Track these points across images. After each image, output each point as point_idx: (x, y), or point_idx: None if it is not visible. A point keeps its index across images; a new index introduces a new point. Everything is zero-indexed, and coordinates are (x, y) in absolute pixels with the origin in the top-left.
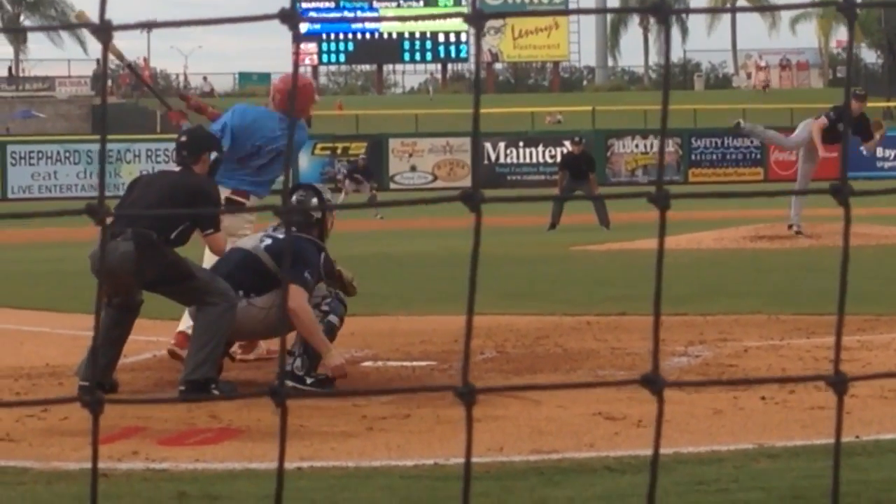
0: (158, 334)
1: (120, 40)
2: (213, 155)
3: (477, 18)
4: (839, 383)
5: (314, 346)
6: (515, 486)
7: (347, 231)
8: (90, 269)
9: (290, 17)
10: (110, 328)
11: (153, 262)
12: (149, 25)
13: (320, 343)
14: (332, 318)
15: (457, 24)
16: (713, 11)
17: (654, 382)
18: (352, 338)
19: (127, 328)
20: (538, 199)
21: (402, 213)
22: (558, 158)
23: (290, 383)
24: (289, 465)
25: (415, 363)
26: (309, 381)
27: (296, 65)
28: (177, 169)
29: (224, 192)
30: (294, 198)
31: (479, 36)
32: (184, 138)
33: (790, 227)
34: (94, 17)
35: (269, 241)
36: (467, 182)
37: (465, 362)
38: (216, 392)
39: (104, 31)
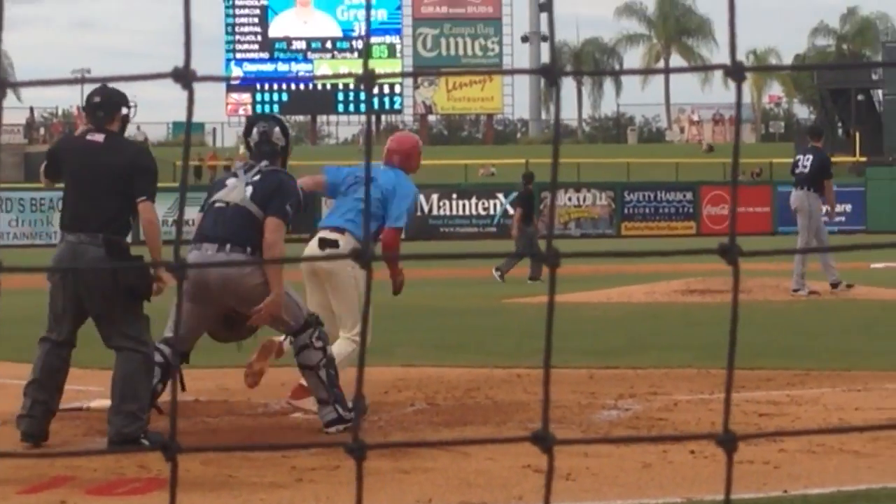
0: (87, 384)
1: (54, 89)
2: (126, 111)
3: (367, 79)
4: (728, 441)
5: (274, 281)
6: None
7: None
8: (48, 277)
9: (182, 76)
10: (55, 372)
11: (126, 269)
12: (9, 85)
13: (277, 285)
14: (329, 349)
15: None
16: (600, 74)
17: (543, 440)
18: (283, 388)
19: (66, 370)
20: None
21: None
22: (492, 211)
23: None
24: None
25: (346, 414)
26: (348, 416)
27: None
28: (98, 137)
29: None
30: (257, 129)
31: (370, 95)
32: (97, 98)
33: (796, 291)
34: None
35: (251, 190)
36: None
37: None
38: (145, 442)
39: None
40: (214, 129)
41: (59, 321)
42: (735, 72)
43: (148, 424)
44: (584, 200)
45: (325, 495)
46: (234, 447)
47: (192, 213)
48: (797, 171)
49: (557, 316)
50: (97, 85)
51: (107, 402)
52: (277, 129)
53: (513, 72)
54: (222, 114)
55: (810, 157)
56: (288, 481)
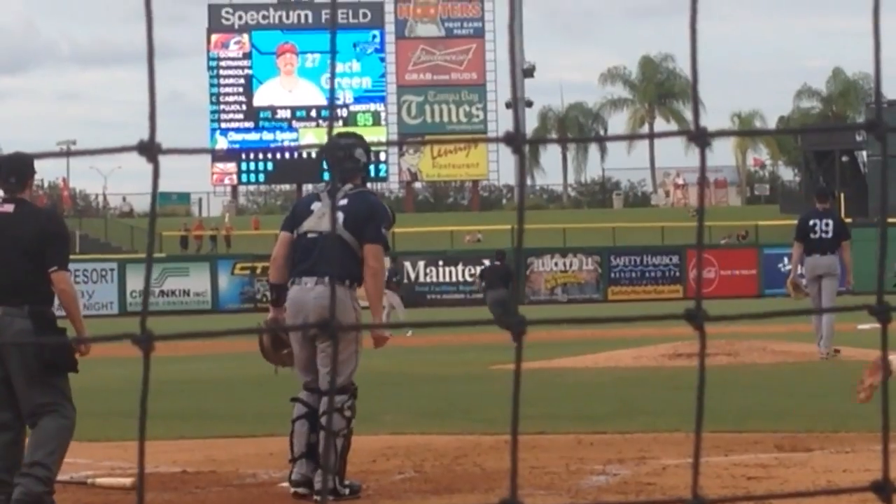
0: (75, 456)
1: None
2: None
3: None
4: None
5: (377, 308)
6: None
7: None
8: None
9: (147, 149)
10: (8, 445)
11: (52, 340)
12: None
13: (378, 307)
14: (353, 423)
15: (376, 143)
16: (565, 141)
17: None
18: (270, 458)
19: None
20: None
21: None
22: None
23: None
24: None
25: (340, 488)
26: (346, 491)
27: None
28: (8, 208)
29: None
30: (342, 153)
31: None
32: (8, 167)
33: (827, 354)
34: None
35: (342, 216)
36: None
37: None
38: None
39: None
40: (200, 199)
41: None
42: (698, 137)
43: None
44: (571, 265)
45: None
46: None
47: (140, 282)
48: (816, 235)
49: (545, 382)
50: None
51: (114, 481)
52: (360, 148)
53: (476, 140)
54: (208, 183)
55: (828, 220)
56: None
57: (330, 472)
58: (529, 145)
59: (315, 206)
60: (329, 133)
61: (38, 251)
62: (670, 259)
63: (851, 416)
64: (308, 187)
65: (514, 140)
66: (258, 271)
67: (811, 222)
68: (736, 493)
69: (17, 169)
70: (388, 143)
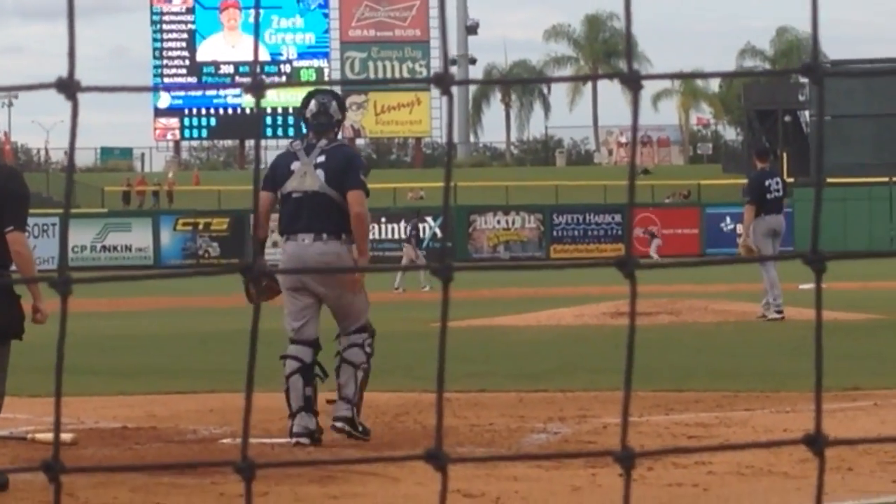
0: (14, 411)
1: None
2: None
3: (256, 88)
4: (626, 458)
5: (364, 251)
6: None
7: (213, 307)
8: None
9: (66, 86)
10: None
11: (2, 306)
12: None
13: (365, 250)
14: (371, 361)
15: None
16: (491, 83)
17: (437, 458)
18: (210, 414)
19: None
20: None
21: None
22: (420, 234)
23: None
24: None
25: (274, 440)
26: (360, 428)
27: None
28: None
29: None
30: (315, 101)
31: (259, 101)
32: None
33: (769, 314)
34: None
35: (323, 174)
36: None
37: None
38: None
39: None
40: (143, 154)
41: None
42: (631, 80)
43: None
44: (513, 223)
45: None
46: (125, 467)
47: (81, 237)
48: (772, 195)
49: (487, 339)
50: None
51: (64, 436)
52: (335, 102)
53: (405, 80)
54: (150, 139)
55: (778, 179)
56: None
57: (350, 404)
58: (457, 87)
59: (294, 165)
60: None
61: None
62: (613, 218)
63: (792, 375)
64: (249, 142)
65: (443, 81)
66: (200, 227)
67: (767, 182)
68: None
69: None
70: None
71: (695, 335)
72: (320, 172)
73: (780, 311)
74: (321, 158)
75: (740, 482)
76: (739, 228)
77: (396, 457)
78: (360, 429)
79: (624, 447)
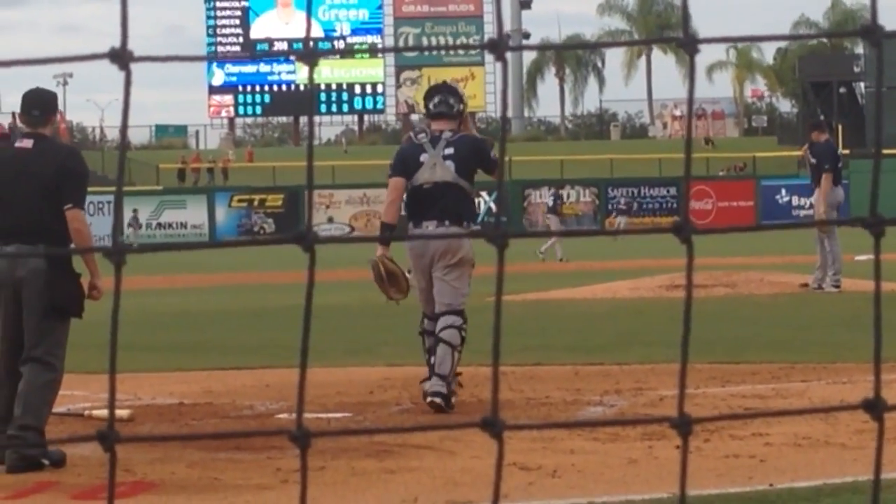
0: (71, 388)
1: None
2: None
3: (309, 56)
4: (683, 425)
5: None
6: None
7: (268, 283)
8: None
9: (119, 56)
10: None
11: (63, 283)
12: None
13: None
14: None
15: (374, 75)
16: (545, 48)
17: (493, 425)
18: (266, 390)
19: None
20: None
21: (323, 265)
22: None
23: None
24: None
25: (330, 415)
26: (452, 403)
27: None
28: (27, 143)
29: None
30: (440, 97)
31: (312, 73)
32: (31, 100)
33: (826, 286)
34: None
35: (452, 165)
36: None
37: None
38: (46, 462)
39: None
40: (197, 132)
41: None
42: (687, 44)
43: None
44: (568, 197)
45: (311, 497)
46: (179, 437)
47: (170, 215)
48: (840, 166)
49: (543, 313)
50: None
51: (120, 412)
52: (454, 96)
53: (459, 47)
54: (205, 116)
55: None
56: (273, 483)
57: (447, 380)
58: (511, 62)
59: (423, 157)
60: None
61: (56, 188)
62: (668, 191)
63: (848, 347)
64: (304, 119)
65: (497, 46)
66: (255, 203)
67: (839, 152)
68: (733, 424)
69: (41, 102)
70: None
71: (751, 307)
72: (450, 164)
73: (837, 285)
74: (449, 150)
75: (797, 453)
76: (795, 200)
77: (452, 424)
78: (451, 403)
79: (681, 413)
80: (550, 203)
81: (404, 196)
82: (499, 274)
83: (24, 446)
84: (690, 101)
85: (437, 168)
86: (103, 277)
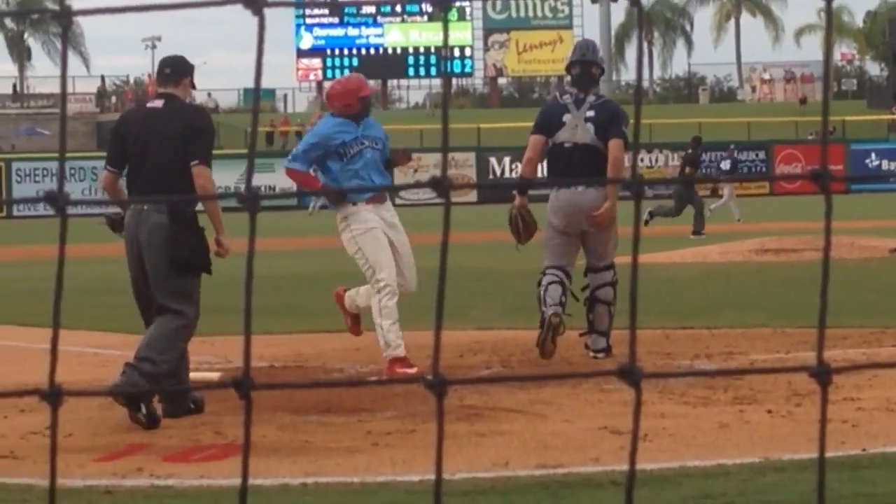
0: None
1: (125, 56)
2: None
3: (441, 3)
4: (822, 374)
5: (613, 190)
6: (521, 500)
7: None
8: (126, 242)
9: (252, 1)
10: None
11: (185, 238)
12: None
13: (613, 197)
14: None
15: (462, 38)
16: None
17: (631, 374)
18: (357, 353)
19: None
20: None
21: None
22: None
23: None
24: (293, 480)
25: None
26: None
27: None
28: (158, 103)
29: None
30: (579, 69)
31: (446, 22)
32: (165, 62)
33: None
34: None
35: (592, 128)
36: (472, 196)
37: (435, 354)
38: (192, 406)
39: (64, 15)
40: (286, 96)
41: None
42: None
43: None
44: (657, 161)
45: (402, 459)
46: (308, 384)
47: (226, 177)
48: None
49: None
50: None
51: (202, 375)
52: (594, 68)
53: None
54: (293, 79)
55: None
56: (364, 446)
57: (605, 336)
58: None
59: (566, 117)
60: (444, 31)
61: (183, 146)
62: (757, 155)
63: None
64: (392, 82)
65: None
66: None
67: None
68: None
69: (172, 62)
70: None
71: (841, 271)
72: (590, 126)
73: None
74: (590, 113)
75: (889, 418)
76: (885, 164)
77: (589, 373)
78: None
79: (820, 362)
80: (728, 167)
81: (543, 153)
82: (635, 225)
83: (138, 375)
84: (829, 46)
85: (578, 129)
86: (229, 237)
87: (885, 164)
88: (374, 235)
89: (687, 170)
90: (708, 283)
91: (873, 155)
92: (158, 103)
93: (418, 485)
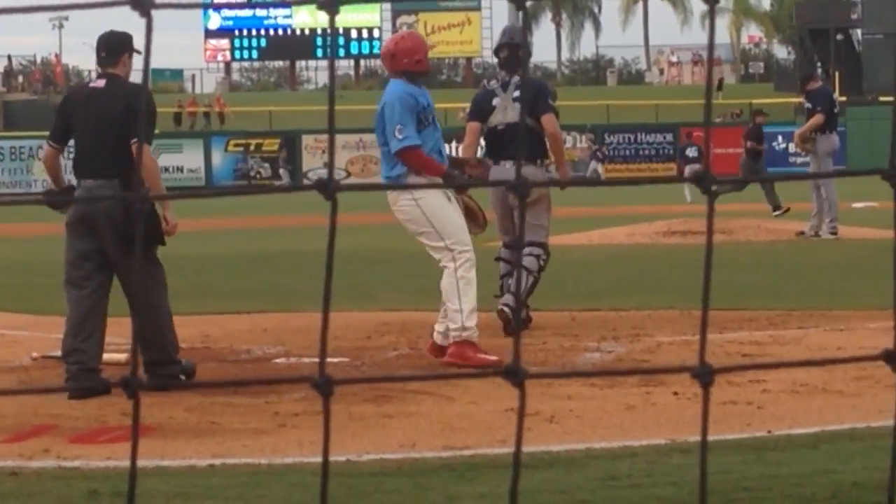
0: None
1: (32, 36)
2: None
3: (330, 4)
4: (704, 374)
5: (561, 163)
6: (428, 482)
7: (266, 227)
8: (66, 223)
9: (140, 3)
10: (90, 309)
11: (136, 216)
12: None
13: (562, 163)
14: (541, 274)
15: (370, 20)
16: None
17: (516, 374)
18: (265, 334)
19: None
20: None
21: (319, 210)
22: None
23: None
24: (201, 462)
25: (328, 359)
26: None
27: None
28: (100, 83)
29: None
30: (506, 52)
31: (333, 21)
32: (101, 42)
33: (823, 233)
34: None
35: (519, 107)
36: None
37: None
38: (182, 377)
39: None
40: (193, 76)
41: (79, 267)
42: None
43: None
44: (565, 142)
45: (309, 440)
46: (197, 384)
47: (166, 159)
48: (836, 111)
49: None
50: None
51: (109, 356)
52: (521, 51)
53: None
54: (201, 60)
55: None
56: (271, 427)
57: (518, 296)
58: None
59: (495, 101)
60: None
61: (124, 125)
62: (664, 137)
63: (845, 294)
64: (300, 63)
65: None
66: (251, 148)
67: (834, 97)
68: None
69: (107, 44)
70: None
71: (748, 254)
72: (517, 105)
73: (834, 232)
74: (517, 93)
75: (795, 400)
76: (792, 147)
77: (476, 373)
78: (516, 323)
79: (702, 363)
80: (694, 154)
81: (481, 138)
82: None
83: (163, 377)
84: (710, 53)
85: (507, 110)
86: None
87: (791, 147)
88: (444, 204)
89: (749, 144)
90: (615, 265)
91: (780, 137)
92: (101, 83)
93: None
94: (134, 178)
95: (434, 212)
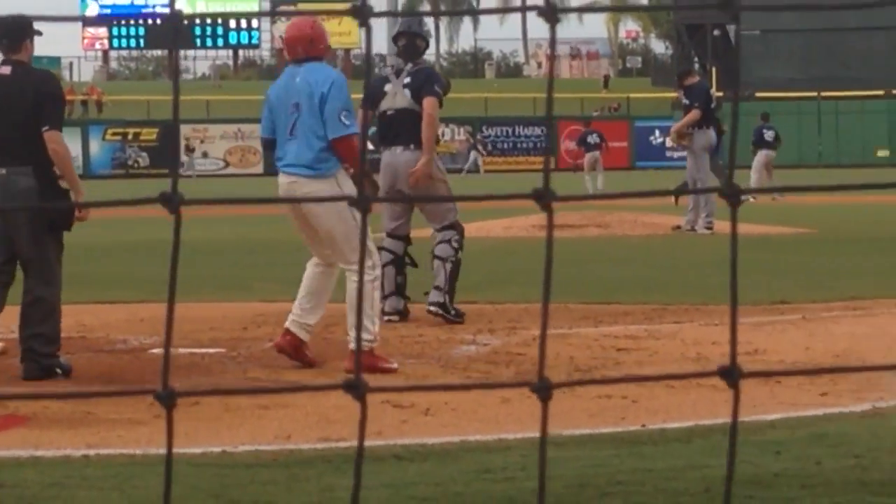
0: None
1: None
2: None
3: (362, 17)
4: (542, 389)
5: (429, 149)
6: (302, 473)
7: (143, 216)
8: None
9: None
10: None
11: (55, 200)
12: None
13: (429, 151)
14: (460, 255)
15: (249, 10)
16: (411, 16)
17: (356, 388)
18: (140, 324)
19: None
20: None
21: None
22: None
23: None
24: (75, 452)
25: (204, 350)
26: (452, 312)
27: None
28: (6, 70)
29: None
30: (405, 41)
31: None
32: (3, 26)
33: (699, 228)
34: None
35: (409, 93)
36: (259, 169)
37: (165, 363)
38: (59, 371)
39: None
40: (71, 64)
41: None
42: (548, 13)
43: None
44: (443, 135)
45: (184, 431)
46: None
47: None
48: (713, 107)
49: (414, 250)
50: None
51: None
52: (418, 40)
53: (324, 12)
54: (79, 48)
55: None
56: (146, 417)
57: (442, 292)
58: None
59: (387, 87)
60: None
61: (34, 112)
62: (542, 130)
63: (720, 289)
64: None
65: (362, 13)
66: (130, 137)
67: (710, 92)
68: (606, 363)
69: (6, 31)
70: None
71: (624, 248)
72: (407, 92)
73: (710, 227)
74: (407, 80)
75: (669, 394)
76: (668, 142)
77: (314, 386)
78: (453, 312)
79: (541, 378)
80: (596, 140)
81: (371, 125)
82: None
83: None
84: (552, 66)
85: (397, 96)
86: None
87: (668, 142)
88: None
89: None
90: (491, 258)
91: (657, 132)
92: (6, 70)
93: (201, 457)
94: (46, 164)
95: (354, 216)
